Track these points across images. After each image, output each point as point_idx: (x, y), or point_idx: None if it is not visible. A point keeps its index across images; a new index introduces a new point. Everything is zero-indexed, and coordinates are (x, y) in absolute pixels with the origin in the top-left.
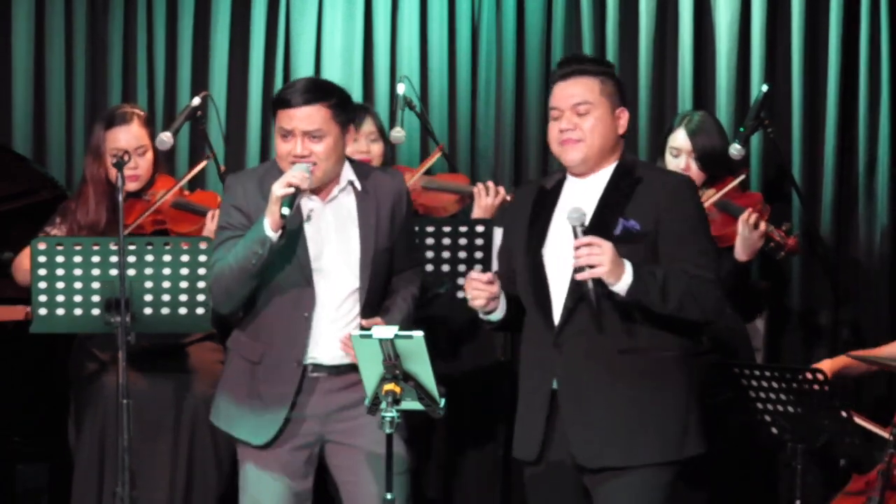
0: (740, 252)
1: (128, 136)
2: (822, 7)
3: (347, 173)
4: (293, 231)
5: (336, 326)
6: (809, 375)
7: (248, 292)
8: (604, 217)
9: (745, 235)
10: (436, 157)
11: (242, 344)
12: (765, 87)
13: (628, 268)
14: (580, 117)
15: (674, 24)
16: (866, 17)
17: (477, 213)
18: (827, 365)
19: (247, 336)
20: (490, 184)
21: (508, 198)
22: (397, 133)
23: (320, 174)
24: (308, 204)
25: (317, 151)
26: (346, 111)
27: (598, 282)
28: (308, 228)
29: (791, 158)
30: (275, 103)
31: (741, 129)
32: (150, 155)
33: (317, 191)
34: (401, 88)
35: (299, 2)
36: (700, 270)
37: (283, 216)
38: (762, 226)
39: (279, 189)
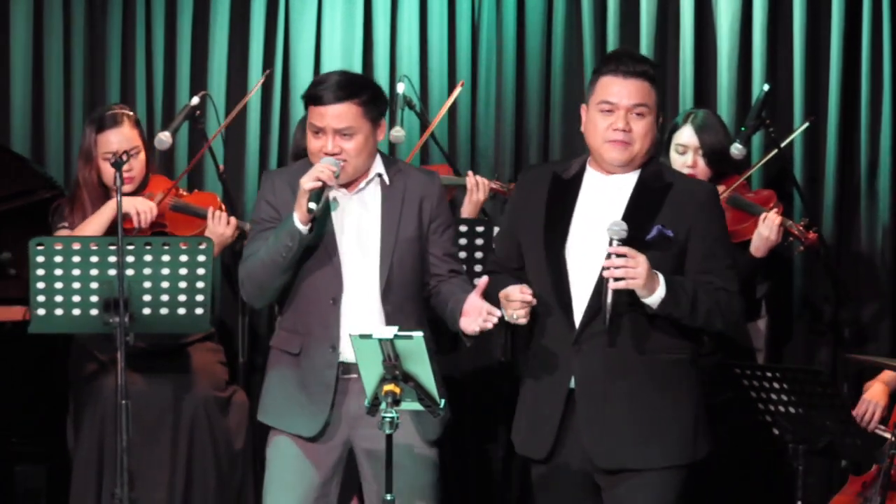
0: (757, 249)
1: (119, 137)
2: (823, 6)
3: (377, 167)
4: (321, 222)
5: (360, 317)
6: (811, 376)
7: (280, 286)
8: (636, 220)
9: (765, 235)
10: (457, 91)
11: (283, 339)
12: (766, 87)
13: (661, 281)
14: (636, 119)
15: (675, 23)
16: (868, 17)
17: (467, 208)
18: (879, 391)
19: (286, 331)
20: (479, 179)
21: (494, 185)
22: (397, 132)
23: (350, 171)
24: (334, 194)
25: (347, 149)
26: (378, 106)
27: (618, 295)
28: (334, 219)
29: (793, 158)
30: (307, 99)
31: (742, 129)
32: (142, 156)
33: (346, 184)
34: (400, 88)
35: (298, 1)
36: (726, 283)
37: (309, 210)
38: (778, 220)
39: (306, 183)
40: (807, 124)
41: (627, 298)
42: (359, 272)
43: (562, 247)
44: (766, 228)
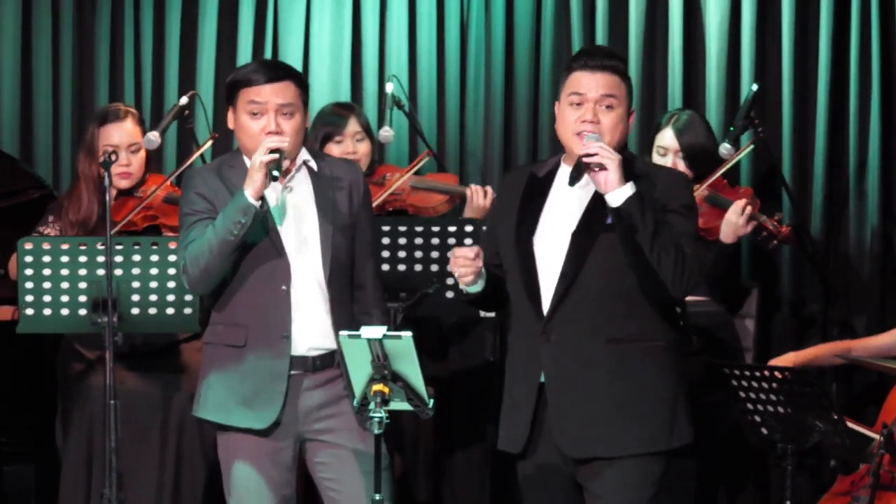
0: (724, 235)
1: (121, 132)
2: (812, 6)
3: (303, 154)
4: (266, 200)
5: (304, 308)
6: (800, 376)
7: (224, 270)
8: (599, 210)
9: (732, 220)
10: (422, 160)
11: (221, 333)
12: (755, 87)
13: (631, 185)
14: (605, 111)
15: (663, 23)
16: (857, 16)
17: (468, 214)
18: (790, 359)
19: (224, 325)
20: (488, 188)
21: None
22: (386, 132)
23: (290, 153)
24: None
25: (286, 129)
26: (306, 92)
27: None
28: (270, 208)
29: (781, 158)
30: (237, 84)
31: (731, 129)
32: (142, 153)
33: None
34: (389, 87)
35: (287, 0)
36: (684, 244)
37: (274, 178)
38: (748, 210)
39: (263, 156)
40: (734, 161)
41: (598, 283)
42: (301, 260)
43: (530, 239)
44: (734, 214)
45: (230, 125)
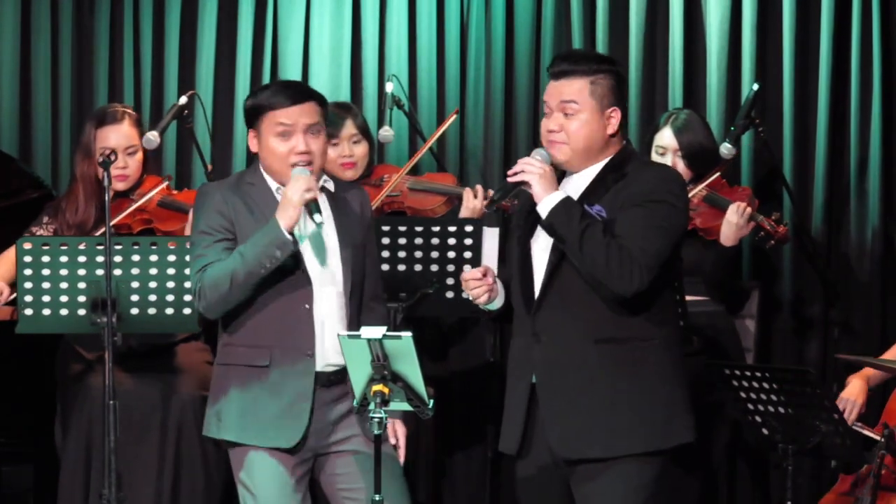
0: (725, 237)
1: (118, 135)
2: (812, 5)
3: (322, 174)
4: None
5: (326, 325)
6: (800, 376)
7: (243, 298)
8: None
9: (733, 221)
10: (451, 119)
11: (241, 354)
12: (755, 87)
13: (559, 194)
14: (567, 118)
15: (664, 22)
16: (857, 16)
17: (464, 215)
18: (857, 388)
19: (245, 346)
20: (479, 187)
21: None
22: (386, 132)
23: (315, 173)
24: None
25: (314, 149)
26: (327, 110)
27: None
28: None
29: (782, 158)
30: (260, 108)
31: (732, 129)
32: (139, 155)
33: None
34: (389, 87)
35: (287, 0)
36: (629, 242)
37: (318, 224)
38: (748, 211)
39: (302, 193)
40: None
41: (580, 284)
42: (324, 279)
43: (528, 242)
44: (733, 214)
45: (253, 148)
